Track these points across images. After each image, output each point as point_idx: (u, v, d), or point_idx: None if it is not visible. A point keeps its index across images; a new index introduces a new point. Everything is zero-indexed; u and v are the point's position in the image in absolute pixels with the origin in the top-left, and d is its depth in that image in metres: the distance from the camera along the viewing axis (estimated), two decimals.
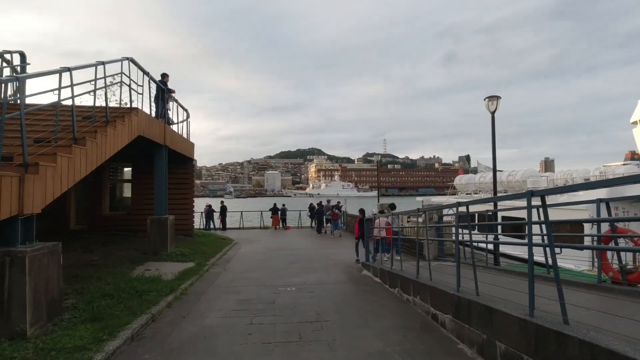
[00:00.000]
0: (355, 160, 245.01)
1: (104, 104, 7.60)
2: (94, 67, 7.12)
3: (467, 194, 20.48)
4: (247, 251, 13.58)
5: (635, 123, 17.81)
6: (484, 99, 9.12)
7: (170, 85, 12.47)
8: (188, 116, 15.25)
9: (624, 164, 18.40)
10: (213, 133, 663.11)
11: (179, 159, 14.69)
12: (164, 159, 11.06)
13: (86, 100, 7.63)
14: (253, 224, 24.69)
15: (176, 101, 13.01)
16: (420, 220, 12.06)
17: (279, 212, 22.31)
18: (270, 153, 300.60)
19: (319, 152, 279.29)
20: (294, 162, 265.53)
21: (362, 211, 12.03)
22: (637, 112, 17.53)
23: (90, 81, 7.12)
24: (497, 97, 8.91)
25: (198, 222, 22.21)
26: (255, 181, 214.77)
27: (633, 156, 32.83)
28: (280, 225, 22.31)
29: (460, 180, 21.80)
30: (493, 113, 8.99)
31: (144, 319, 5.23)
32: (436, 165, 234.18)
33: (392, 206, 12.92)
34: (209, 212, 22.23)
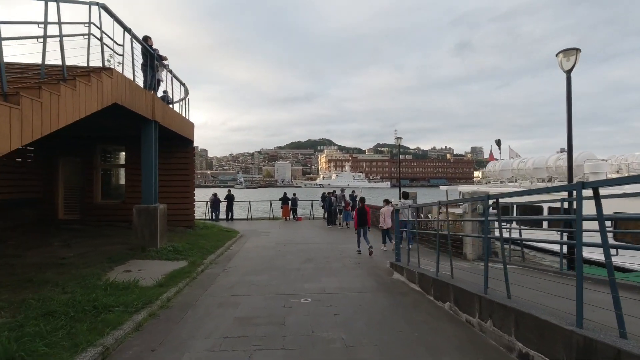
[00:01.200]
0: (366, 151, 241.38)
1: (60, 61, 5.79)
2: (42, 2, 5.30)
3: (501, 182, 18.24)
4: (253, 246, 11.84)
5: None
6: (556, 55, 6.89)
7: (178, 72, 10.71)
8: (187, 92, 13.50)
9: None
10: (224, 124, 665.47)
11: (177, 141, 13.00)
12: (153, 136, 9.29)
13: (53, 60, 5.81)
14: (262, 215, 23.03)
15: (170, 72, 11.19)
16: (459, 212, 10.18)
17: (290, 202, 20.71)
18: (281, 144, 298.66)
19: (329, 143, 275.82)
20: (305, 152, 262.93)
21: (362, 199, 11.39)
22: None
23: (38, 23, 5.30)
24: (576, 50, 6.69)
25: (204, 212, 20.75)
26: (265, 172, 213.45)
27: None
28: (291, 216, 20.64)
29: (493, 166, 19.42)
30: (569, 72, 6.81)
31: (89, 356, 3.47)
32: (448, 156, 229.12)
33: (405, 195, 11.76)
34: (214, 202, 20.69)
